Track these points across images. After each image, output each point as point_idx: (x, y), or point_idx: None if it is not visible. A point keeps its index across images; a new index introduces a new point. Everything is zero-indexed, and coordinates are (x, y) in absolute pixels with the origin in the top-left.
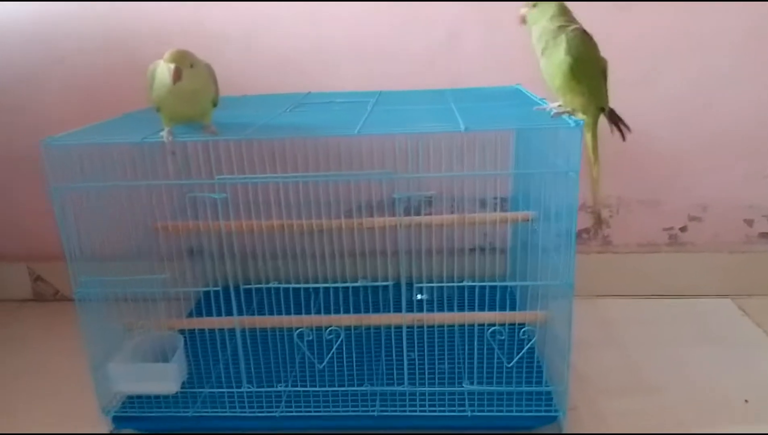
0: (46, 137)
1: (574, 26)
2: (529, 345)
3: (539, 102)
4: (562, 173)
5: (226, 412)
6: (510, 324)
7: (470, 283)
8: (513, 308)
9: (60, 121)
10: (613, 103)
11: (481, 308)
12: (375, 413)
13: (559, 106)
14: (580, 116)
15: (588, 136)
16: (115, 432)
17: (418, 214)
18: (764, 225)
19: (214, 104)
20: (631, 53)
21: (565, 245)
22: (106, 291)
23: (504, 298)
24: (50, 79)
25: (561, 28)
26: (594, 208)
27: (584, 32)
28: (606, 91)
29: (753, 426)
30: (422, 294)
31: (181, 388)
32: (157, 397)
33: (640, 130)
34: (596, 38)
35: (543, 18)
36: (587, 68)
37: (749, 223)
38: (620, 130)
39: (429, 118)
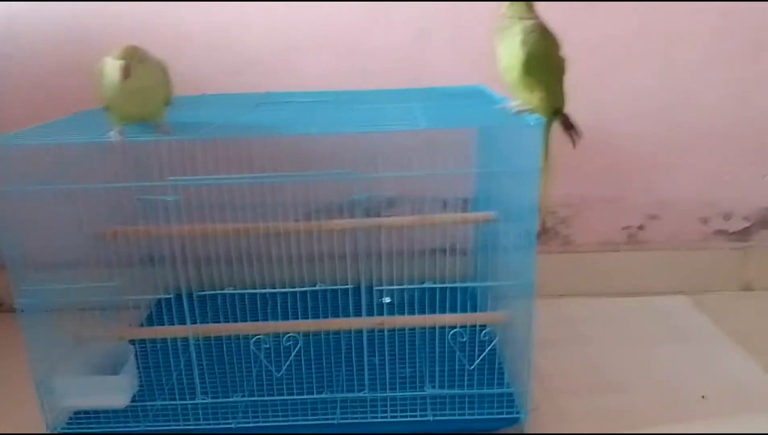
0: None
1: (533, 21)
2: (490, 347)
3: (501, 101)
4: (522, 172)
5: (179, 425)
6: (472, 326)
7: (431, 285)
8: (475, 310)
9: (9, 121)
10: (574, 98)
11: (443, 310)
12: (335, 421)
13: (519, 104)
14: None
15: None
16: None
17: (378, 215)
18: (720, 223)
19: (167, 103)
20: (592, 48)
21: (525, 245)
22: (52, 300)
23: (466, 300)
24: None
25: (520, 20)
26: (540, 213)
27: (544, 28)
28: (562, 92)
29: (710, 422)
30: (387, 297)
31: (132, 401)
32: (106, 411)
33: (601, 127)
34: (559, 33)
35: (506, 11)
36: (542, 64)
37: (704, 220)
38: (571, 136)
39: (390, 117)
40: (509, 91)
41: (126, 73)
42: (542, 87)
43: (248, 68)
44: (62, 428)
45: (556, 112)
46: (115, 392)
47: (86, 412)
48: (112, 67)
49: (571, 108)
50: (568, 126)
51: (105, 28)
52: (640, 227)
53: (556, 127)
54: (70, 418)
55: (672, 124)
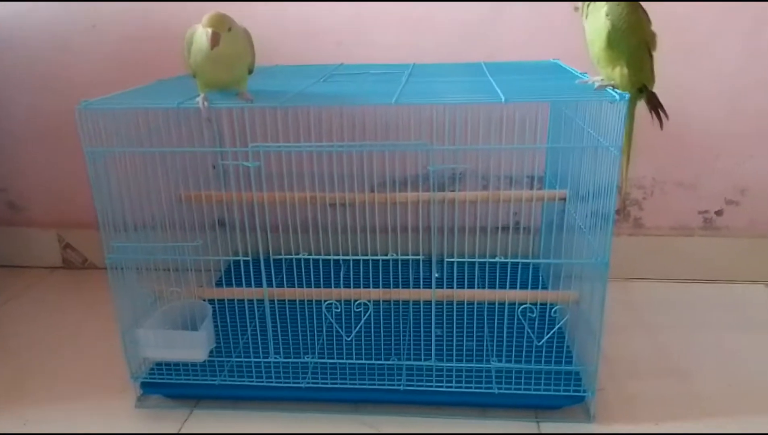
0: (81, 101)
1: None
2: (560, 324)
3: (580, 75)
4: (602, 149)
5: (252, 381)
6: (541, 303)
7: (503, 260)
8: (539, 288)
9: (90, 88)
10: (657, 78)
11: (510, 287)
12: (401, 387)
13: (602, 79)
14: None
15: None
16: (143, 397)
17: (444, 190)
18: None
19: (250, 71)
20: (676, 27)
21: (602, 224)
22: (137, 257)
23: (532, 278)
24: (82, 46)
25: None
26: (621, 193)
27: (632, 2)
28: (650, 69)
29: None
30: (437, 272)
31: (209, 356)
32: (185, 364)
33: (682, 108)
34: (647, 10)
35: None
36: (627, 37)
37: None
38: (659, 117)
39: (466, 90)
40: (593, 65)
41: (215, 40)
42: (626, 61)
43: (319, 40)
44: (144, 377)
45: (642, 90)
46: (193, 347)
47: (167, 364)
48: (201, 35)
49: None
50: (655, 105)
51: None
52: (718, 212)
53: (641, 106)
54: (152, 369)
55: (755, 108)
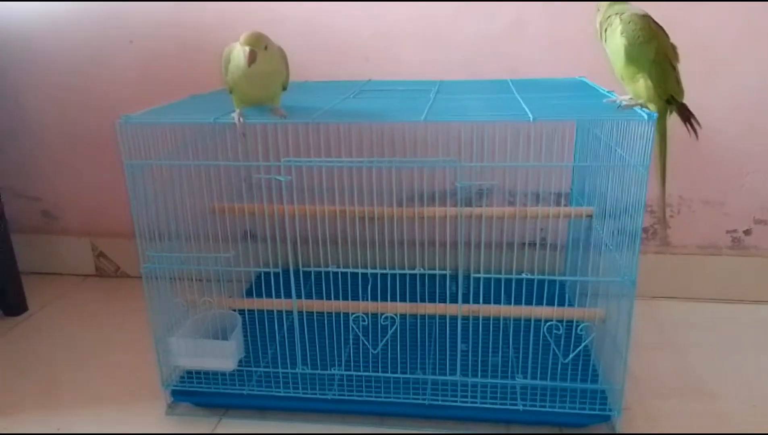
0: (121, 116)
1: (631, 12)
2: (586, 342)
3: (606, 94)
4: (631, 167)
5: (280, 391)
6: (567, 320)
7: (529, 277)
8: (564, 305)
9: (125, 102)
10: (685, 92)
11: (536, 303)
12: (426, 401)
13: (630, 98)
14: (651, 108)
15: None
16: (173, 404)
17: (471, 205)
18: None
19: (284, 87)
20: (698, 44)
21: (629, 242)
22: (172, 267)
23: (556, 295)
24: (119, 60)
25: (618, 14)
26: (660, 208)
27: (644, 16)
28: (676, 80)
29: None
30: (453, 287)
31: (238, 366)
32: (214, 373)
33: (708, 126)
34: (666, 27)
35: (605, 10)
36: (645, 49)
37: None
38: (692, 127)
39: (494, 108)
40: (621, 86)
41: (252, 58)
42: (648, 74)
43: (347, 56)
44: (175, 385)
45: (671, 102)
46: (223, 356)
47: (197, 373)
48: (238, 52)
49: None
50: (687, 116)
51: (213, 15)
52: (746, 232)
53: (674, 122)
54: (182, 377)
55: None
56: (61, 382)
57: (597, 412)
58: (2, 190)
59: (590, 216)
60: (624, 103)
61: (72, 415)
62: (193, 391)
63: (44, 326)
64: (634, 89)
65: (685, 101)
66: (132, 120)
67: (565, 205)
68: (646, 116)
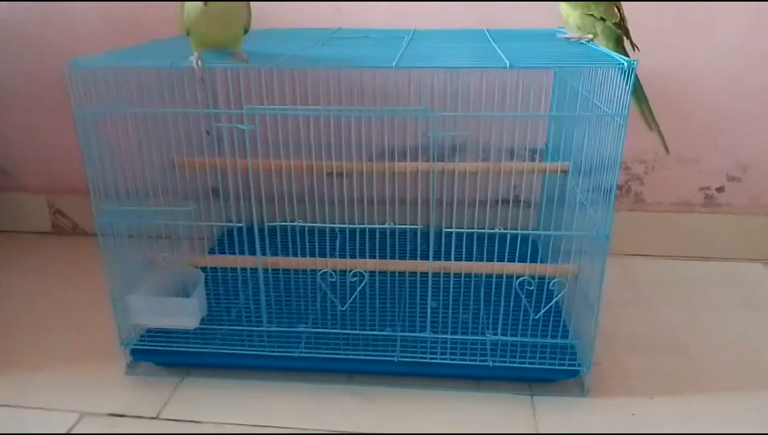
0: (71, 59)
1: None
2: (557, 297)
3: (588, 45)
4: (608, 117)
5: (245, 349)
6: (535, 276)
7: (501, 231)
8: (536, 261)
9: (83, 50)
10: (659, 51)
11: (507, 260)
12: (395, 358)
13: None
14: (601, 41)
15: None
16: (133, 364)
17: (443, 160)
18: None
19: (246, 30)
20: (681, 2)
21: (603, 197)
22: (128, 222)
23: (529, 252)
24: (72, 6)
25: None
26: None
27: None
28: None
29: None
30: (429, 243)
31: (201, 324)
32: (176, 332)
33: (685, 82)
34: None
35: None
36: None
37: None
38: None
39: (469, 56)
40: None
41: None
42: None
43: (317, 4)
44: (135, 344)
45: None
46: (185, 314)
47: (158, 331)
48: None
49: (654, 61)
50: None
51: None
52: (719, 189)
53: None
54: (143, 336)
55: (761, 84)
56: (17, 342)
57: (566, 367)
58: None
59: (565, 171)
60: (570, 36)
61: (28, 375)
62: (154, 350)
63: None
64: (573, 20)
65: (664, 59)
66: (82, 63)
67: (540, 161)
68: (625, 63)
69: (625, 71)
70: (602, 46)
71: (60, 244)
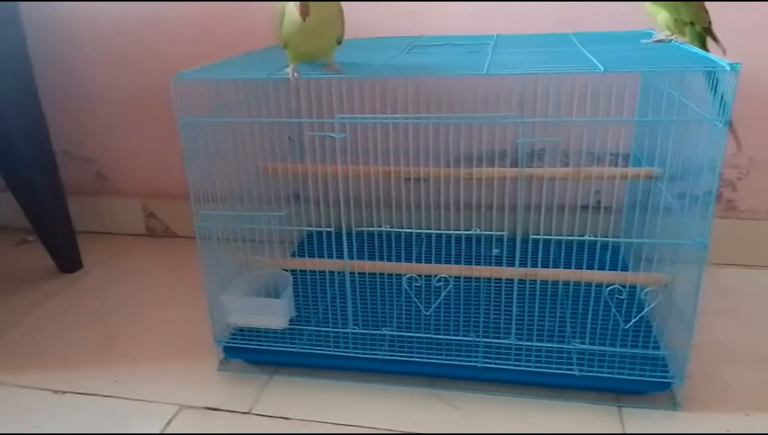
0: (177, 73)
1: None
2: (650, 307)
3: (679, 46)
4: (706, 122)
5: (330, 350)
6: (625, 285)
7: (591, 238)
8: (625, 269)
9: (177, 62)
10: (747, 44)
11: (594, 267)
12: (478, 364)
13: (666, 34)
14: (684, 39)
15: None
16: (225, 361)
17: (528, 166)
18: None
19: (339, 41)
20: None
21: (700, 204)
22: (224, 226)
23: (614, 260)
24: (171, 19)
25: None
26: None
27: None
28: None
29: None
30: (498, 248)
31: (289, 324)
32: (266, 331)
33: None
34: None
35: None
36: None
37: None
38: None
39: (558, 61)
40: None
41: (304, 11)
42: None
43: (396, 11)
44: (227, 342)
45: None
46: (275, 314)
47: (249, 329)
48: (292, 7)
49: (743, 55)
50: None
51: None
52: None
53: None
54: (234, 334)
55: None
56: (118, 336)
57: (658, 379)
58: (58, 153)
59: (653, 177)
60: (660, 38)
61: (129, 368)
62: (245, 348)
63: (98, 283)
64: (664, 20)
65: (756, 53)
66: (186, 76)
67: (626, 167)
68: (728, 67)
69: (727, 74)
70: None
71: (153, 245)
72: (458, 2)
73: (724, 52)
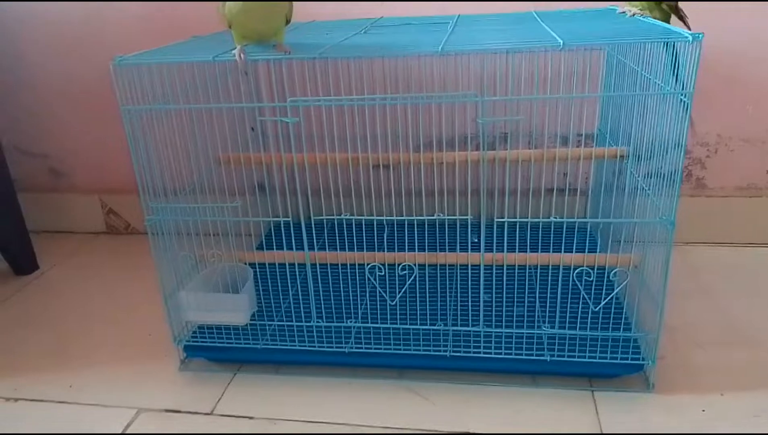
0: (115, 57)
1: None
2: (619, 288)
3: (643, 20)
4: (670, 97)
5: (295, 345)
6: (593, 267)
7: (558, 220)
8: (594, 251)
9: (128, 49)
10: (722, 25)
11: (560, 250)
12: (448, 353)
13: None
14: (656, 15)
15: None
16: (186, 360)
17: (493, 149)
18: None
19: (288, 20)
20: None
21: (666, 182)
22: (177, 219)
23: (584, 241)
24: (117, 5)
25: None
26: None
27: None
28: None
29: None
30: (478, 237)
31: (251, 320)
32: (227, 327)
33: (749, 56)
34: None
35: None
36: None
37: None
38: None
39: (519, 38)
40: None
41: None
42: None
43: None
44: (187, 341)
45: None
46: (235, 310)
47: (209, 327)
48: None
49: (718, 34)
50: (680, 16)
51: None
52: None
53: None
54: (195, 332)
55: None
56: (73, 340)
57: (629, 362)
58: (7, 149)
59: (623, 157)
60: (630, 12)
61: (84, 372)
62: (206, 346)
63: (55, 284)
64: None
65: (726, 32)
66: (126, 61)
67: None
68: (689, 36)
69: (689, 45)
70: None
71: (114, 243)
72: None
73: (688, 28)
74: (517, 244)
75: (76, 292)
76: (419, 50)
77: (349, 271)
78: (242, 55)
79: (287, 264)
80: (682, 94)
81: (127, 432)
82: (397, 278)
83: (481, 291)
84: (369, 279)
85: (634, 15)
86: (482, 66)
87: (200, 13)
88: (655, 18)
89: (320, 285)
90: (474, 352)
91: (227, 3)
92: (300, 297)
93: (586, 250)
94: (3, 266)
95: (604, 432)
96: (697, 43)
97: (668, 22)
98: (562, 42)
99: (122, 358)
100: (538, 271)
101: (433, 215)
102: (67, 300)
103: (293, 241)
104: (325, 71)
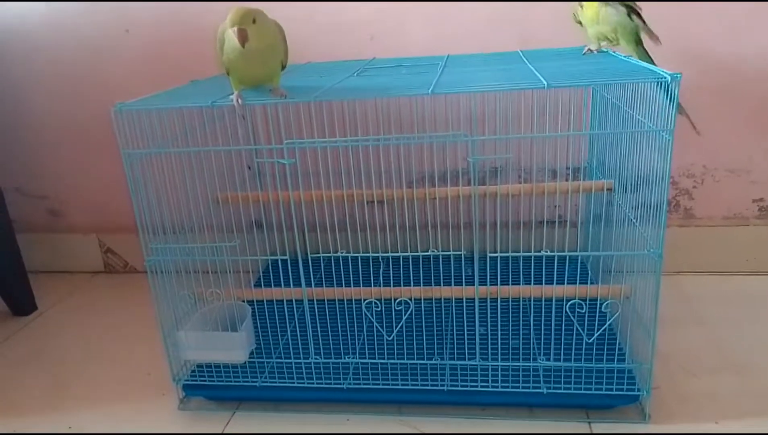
0: (116, 103)
1: None
2: (611, 320)
3: (625, 60)
4: (653, 133)
5: (294, 382)
6: (585, 298)
7: (549, 253)
8: (586, 282)
9: (127, 92)
10: (702, 55)
11: (555, 282)
12: (445, 387)
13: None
14: (622, 43)
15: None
16: (185, 399)
17: (484, 184)
18: None
19: (283, 66)
20: (726, 3)
21: (653, 214)
22: (176, 259)
23: (576, 273)
24: (115, 50)
25: None
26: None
27: None
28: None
29: None
30: (472, 271)
31: (250, 357)
32: (226, 366)
33: (733, 87)
34: None
35: None
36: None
37: None
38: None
39: (505, 78)
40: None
41: (242, 36)
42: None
43: (351, 35)
44: (186, 379)
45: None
46: (234, 348)
47: (208, 366)
48: (231, 33)
49: (700, 65)
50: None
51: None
52: None
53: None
54: (193, 371)
55: None
56: (73, 380)
57: (625, 393)
58: (7, 190)
59: (610, 190)
60: (590, 48)
61: (84, 413)
62: (205, 385)
63: (54, 325)
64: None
65: (708, 63)
66: (127, 107)
67: (583, 180)
68: (668, 76)
69: (668, 85)
70: (625, 50)
71: (112, 282)
72: (415, 24)
73: (655, 41)
74: (510, 277)
75: (75, 332)
76: (411, 92)
77: (346, 306)
78: (240, 100)
79: (285, 300)
80: (664, 132)
81: None
82: (393, 313)
83: (477, 324)
84: (366, 314)
85: (599, 50)
86: (471, 105)
87: (198, 55)
88: (623, 44)
89: (318, 321)
90: (471, 386)
91: (225, 50)
92: (298, 333)
93: (578, 282)
94: (2, 307)
95: None
96: (676, 82)
97: (640, 42)
98: (546, 83)
99: (121, 397)
100: (532, 303)
101: (427, 250)
102: (65, 340)
103: (290, 277)
104: (320, 112)
